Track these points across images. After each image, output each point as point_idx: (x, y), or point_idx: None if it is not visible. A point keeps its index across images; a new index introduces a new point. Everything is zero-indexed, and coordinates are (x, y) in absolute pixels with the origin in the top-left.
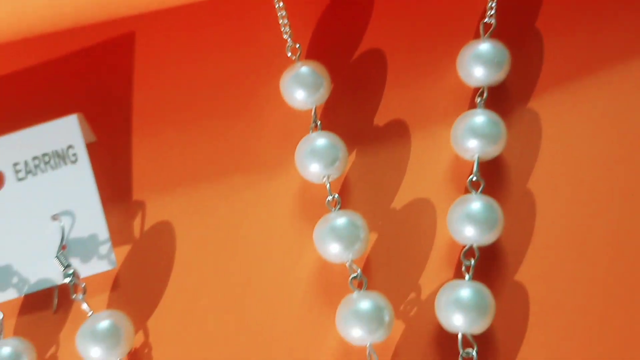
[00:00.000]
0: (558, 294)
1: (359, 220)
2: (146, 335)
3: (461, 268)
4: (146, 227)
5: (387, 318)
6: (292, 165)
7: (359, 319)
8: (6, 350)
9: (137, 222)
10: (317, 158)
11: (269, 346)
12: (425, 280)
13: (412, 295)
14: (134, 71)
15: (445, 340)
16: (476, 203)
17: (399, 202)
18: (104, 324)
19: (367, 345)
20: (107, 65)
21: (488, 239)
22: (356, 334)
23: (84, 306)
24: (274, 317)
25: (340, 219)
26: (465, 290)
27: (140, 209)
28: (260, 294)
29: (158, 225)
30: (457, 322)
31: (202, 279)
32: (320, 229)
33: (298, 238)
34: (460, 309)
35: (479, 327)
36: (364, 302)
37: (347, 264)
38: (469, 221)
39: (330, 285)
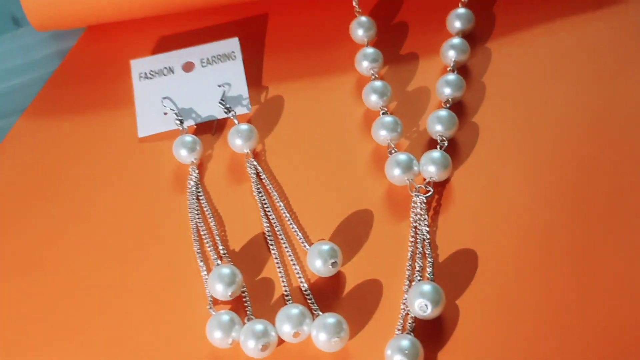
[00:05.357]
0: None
1: None
2: (263, 146)
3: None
4: (269, 97)
5: (399, 129)
6: None
7: (384, 126)
8: (189, 138)
9: (263, 95)
10: None
11: None
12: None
13: (414, 128)
14: (268, 21)
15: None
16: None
17: None
18: (244, 126)
19: (388, 142)
20: (254, 20)
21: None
22: (382, 135)
23: (235, 120)
24: None
25: None
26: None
27: (266, 89)
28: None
29: (275, 98)
30: (438, 128)
31: (299, 125)
32: None
33: None
34: (439, 121)
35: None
36: (388, 118)
37: None
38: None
39: None
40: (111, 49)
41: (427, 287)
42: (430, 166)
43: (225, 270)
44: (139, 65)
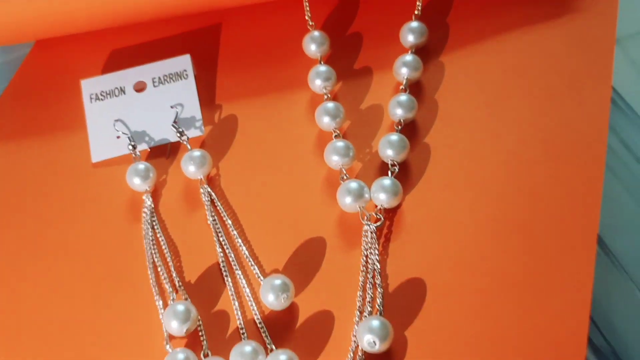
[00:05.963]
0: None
1: None
2: (217, 170)
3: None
4: (222, 117)
5: (351, 154)
6: None
7: (336, 151)
8: (142, 166)
9: (217, 114)
10: None
11: None
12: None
13: (367, 149)
14: (221, 34)
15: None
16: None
17: None
18: (197, 152)
19: (340, 166)
20: (206, 32)
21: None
22: (335, 160)
23: (188, 146)
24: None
25: None
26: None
27: (219, 108)
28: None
29: (228, 118)
30: (389, 153)
31: (253, 136)
32: None
33: None
34: (390, 145)
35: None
36: (340, 143)
37: None
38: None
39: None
40: (60, 65)
41: (375, 322)
42: (381, 194)
43: (180, 307)
44: (89, 86)
